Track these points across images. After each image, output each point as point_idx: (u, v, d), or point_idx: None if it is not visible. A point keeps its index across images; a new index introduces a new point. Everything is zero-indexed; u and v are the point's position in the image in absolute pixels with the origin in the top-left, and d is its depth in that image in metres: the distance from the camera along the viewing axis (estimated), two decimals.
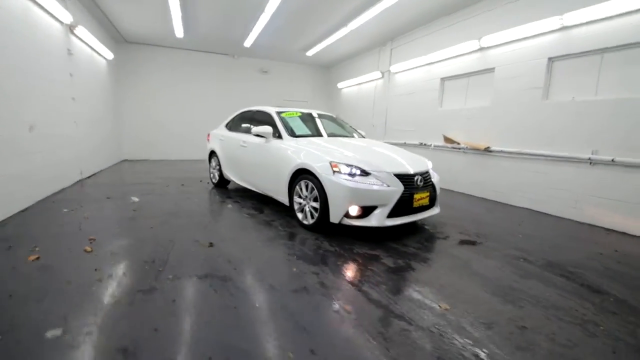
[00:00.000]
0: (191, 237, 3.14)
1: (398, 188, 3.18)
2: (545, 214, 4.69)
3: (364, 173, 3.18)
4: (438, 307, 2.05)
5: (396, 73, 7.93)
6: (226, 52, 10.03)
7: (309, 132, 4.29)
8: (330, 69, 11.49)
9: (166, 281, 2.23)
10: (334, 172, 3.19)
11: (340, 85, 10.66)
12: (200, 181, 6.39)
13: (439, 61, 6.58)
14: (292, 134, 4.11)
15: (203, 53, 9.92)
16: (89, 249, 2.75)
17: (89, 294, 2.04)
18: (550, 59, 4.64)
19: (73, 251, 2.72)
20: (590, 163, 4.17)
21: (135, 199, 4.56)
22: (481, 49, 5.62)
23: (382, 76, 8.50)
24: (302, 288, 2.24)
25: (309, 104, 11.45)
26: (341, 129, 4.78)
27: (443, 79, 6.60)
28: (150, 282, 2.21)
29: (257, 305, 2.00)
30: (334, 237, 3.31)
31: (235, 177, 5.10)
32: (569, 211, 4.44)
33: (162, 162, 9.26)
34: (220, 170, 5.56)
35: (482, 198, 5.68)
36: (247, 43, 8.53)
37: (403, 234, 3.49)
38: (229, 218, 3.93)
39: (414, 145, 7.11)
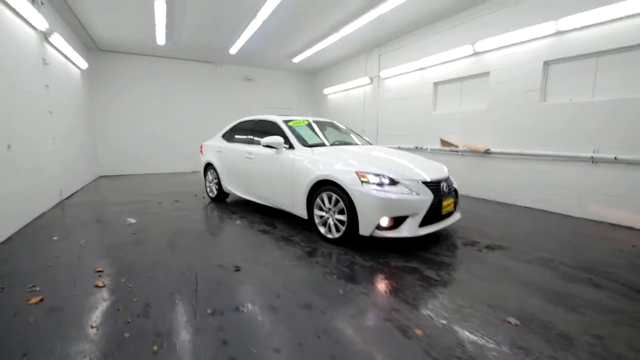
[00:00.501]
0: (211, 261, 2.86)
1: (428, 196, 3.09)
2: (549, 212, 4.81)
3: (393, 182, 3.06)
4: (508, 322, 1.95)
5: (386, 78, 7.97)
6: (209, 60, 9.66)
7: (321, 141, 4.13)
8: (315, 75, 11.41)
9: (207, 317, 1.97)
10: (362, 182, 3.05)
11: (326, 91, 10.59)
12: (195, 195, 6.02)
13: (432, 66, 6.67)
14: (305, 143, 3.93)
15: (184, 61, 9.49)
16: (100, 283, 2.41)
17: (124, 342, 1.74)
18: (545, 62, 4.80)
19: (81, 287, 2.37)
20: (593, 161, 4.33)
21: (132, 220, 4.16)
22: (475, 53, 5.75)
23: (371, 82, 8.52)
24: (359, 312, 2.06)
25: (294, 111, 11.28)
26: (347, 136, 4.66)
27: (436, 84, 6.69)
28: (190, 320, 1.94)
29: (319, 337, 1.80)
30: (363, 250, 3.15)
31: (239, 191, 4.82)
32: (573, 209, 4.58)
33: (144, 177, 8.69)
34: (219, 184, 5.24)
35: (483, 199, 5.76)
36: (233, 50, 8.25)
37: (428, 242, 3.40)
38: (243, 236, 3.66)
39: (409, 149, 7.14)
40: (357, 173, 3.11)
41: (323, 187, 3.38)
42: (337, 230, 3.28)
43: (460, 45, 5.92)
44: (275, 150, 4.04)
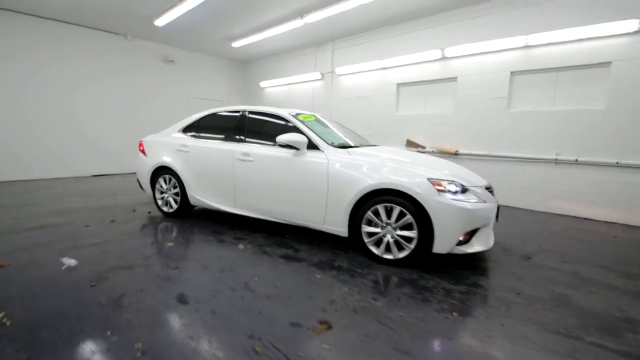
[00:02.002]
0: (275, 322, 1.93)
1: (494, 203, 2.85)
2: (513, 207, 5.33)
3: (464, 190, 2.70)
4: None
5: (342, 75, 7.64)
6: (117, 31, 7.43)
7: (344, 141, 3.46)
8: (250, 64, 10.21)
9: None
10: (439, 191, 2.58)
11: (264, 84, 9.59)
12: (134, 211, 4.41)
13: (395, 67, 6.65)
14: (332, 144, 3.20)
15: (83, 29, 7.04)
16: None
17: None
18: (512, 72, 5.28)
19: None
20: (556, 163, 4.95)
21: (71, 262, 2.62)
22: (444, 58, 5.95)
23: (322, 77, 8.06)
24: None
25: (225, 104, 9.86)
26: (354, 135, 4.10)
27: (399, 85, 6.71)
28: None
29: None
30: (431, 270, 2.70)
31: (219, 202, 3.68)
32: (537, 204, 5.18)
33: (35, 184, 6.07)
34: (182, 194, 3.92)
35: None
36: (161, 22, 6.51)
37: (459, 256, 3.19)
38: (272, 270, 2.69)
39: None
40: (430, 180, 2.62)
41: (376, 197, 2.76)
42: (400, 249, 2.73)
43: (428, 49, 6.04)
44: (293, 151, 3.16)
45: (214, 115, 3.98)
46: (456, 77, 5.89)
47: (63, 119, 7.04)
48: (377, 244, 2.83)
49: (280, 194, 3.25)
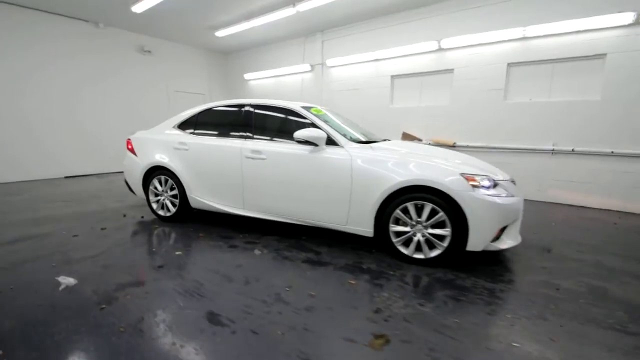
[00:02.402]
0: (320, 338, 1.74)
1: (521, 197, 2.80)
2: None
3: (495, 184, 2.62)
4: None
5: (333, 67, 7.42)
6: (86, 18, 6.74)
7: (357, 136, 3.28)
8: (231, 56, 9.72)
9: None
10: (473, 187, 2.48)
11: (248, 76, 9.18)
12: (124, 216, 4.02)
13: (389, 58, 6.53)
14: (350, 138, 3.02)
15: (47, 14, 6.31)
16: None
17: None
18: (509, 64, 5.31)
19: None
20: (553, 153, 5.06)
21: (69, 282, 2.28)
22: (440, 49, 5.89)
23: (312, 69, 7.80)
24: None
25: (207, 98, 9.36)
26: (364, 129, 3.93)
27: (394, 77, 6.60)
28: None
29: None
30: (463, 269, 2.61)
31: (225, 204, 3.40)
32: (534, 194, 5.29)
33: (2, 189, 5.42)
34: (182, 196, 3.59)
35: None
36: (139, 7, 5.95)
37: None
38: (298, 276, 2.48)
39: None
40: (463, 175, 2.51)
41: (405, 195, 2.62)
42: (431, 247, 2.62)
43: (424, 40, 5.96)
44: (311, 148, 2.95)
45: (213, 110, 3.66)
46: (453, 69, 5.85)
47: (14, 115, 6.34)
48: (406, 243, 2.71)
49: (297, 193, 3.03)
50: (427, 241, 2.62)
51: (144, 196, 3.90)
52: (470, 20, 5.51)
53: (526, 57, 5.14)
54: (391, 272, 2.54)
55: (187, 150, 3.54)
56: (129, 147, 3.99)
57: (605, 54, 4.55)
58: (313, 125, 3.06)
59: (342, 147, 2.91)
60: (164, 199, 3.75)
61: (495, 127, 5.52)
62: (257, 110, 3.39)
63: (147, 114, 7.95)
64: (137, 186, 3.91)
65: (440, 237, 2.58)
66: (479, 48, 5.52)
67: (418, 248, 2.66)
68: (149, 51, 7.91)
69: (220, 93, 9.77)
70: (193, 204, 3.59)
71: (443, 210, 2.51)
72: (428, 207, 2.56)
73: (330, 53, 7.39)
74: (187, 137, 3.60)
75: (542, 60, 5.05)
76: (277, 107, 3.34)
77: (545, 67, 5.07)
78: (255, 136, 3.28)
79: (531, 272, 2.61)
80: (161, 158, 3.66)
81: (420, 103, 6.39)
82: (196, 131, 3.63)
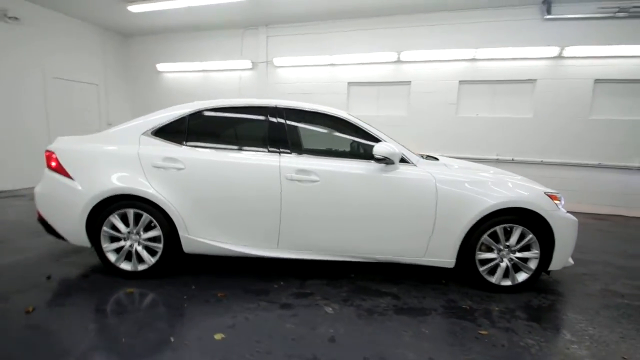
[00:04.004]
0: None
1: None
2: None
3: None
4: None
5: (281, 67, 6.70)
6: None
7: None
8: (135, 39, 7.65)
9: None
10: (557, 205, 2.43)
11: (163, 67, 7.42)
12: (48, 278, 2.46)
13: (347, 64, 6.30)
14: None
15: None
16: None
17: None
18: (460, 81, 5.84)
19: None
20: (497, 162, 5.80)
21: None
22: (399, 61, 6.00)
23: (254, 67, 6.87)
24: None
25: (102, 89, 7.12)
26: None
27: (350, 84, 6.41)
28: None
29: None
30: (539, 290, 2.56)
31: (254, 244, 2.46)
32: None
33: None
34: (170, 238, 2.41)
35: None
36: None
37: None
38: (414, 338, 1.90)
39: None
40: (547, 194, 2.44)
41: (492, 218, 2.39)
42: (516, 272, 2.45)
43: (383, 50, 5.98)
44: (381, 166, 2.38)
45: (211, 113, 2.60)
46: (410, 81, 6.06)
47: None
48: (491, 271, 2.47)
49: (363, 224, 2.41)
50: (514, 266, 2.46)
51: (85, 243, 2.46)
52: (427, 38, 5.80)
53: (474, 76, 5.75)
54: (497, 308, 2.25)
55: (181, 169, 2.39)
56: (53, 164, 2.47)
57: (535, 79, 5.48)
58: (370, 136, 2.51)
59: (415, 164, 2.47)
60: (134, 246, 2.45)
61: (449, 138, 5.98)
62: (289, 116, 2.56)
63: (10, 109, 5.42)
64: (74, 228, 2.44)
65: (525, 260, 2.45)
66: (435, 64, 5.88)
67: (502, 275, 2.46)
68: (16, 18, 5.38)
69: (120, 85, 7.60)
70: (189, 247, 2.46)
71: (533, 232, 2.38)
72: (518, 230, 2.39)
73: (278, 51, 6.65)
74: (180, 151, 2.44)
75: (486, 80, 5.73)
76: (317, 113, 2.63)
77: (489, 87, 5.78)
78: (294, 151, 2.46)
79: (586, 282, 2.75)
80: (132, 182, 2.36)
81: (378, 112, 6.40)
82: (190, 142, 2.50)
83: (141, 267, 2.47)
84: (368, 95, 6.43)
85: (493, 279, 2.46)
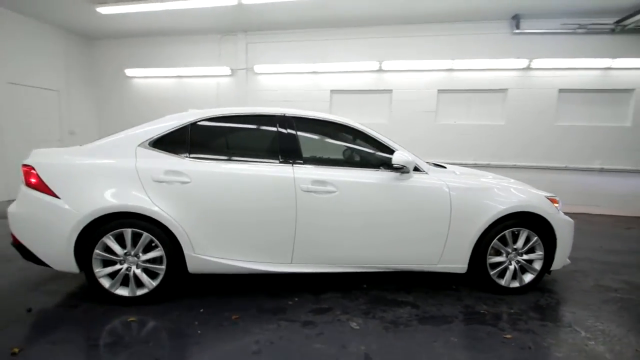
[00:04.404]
0: None
1: None
2: None
3: None
4: None
5: (262, 74, 6.56)
6: None
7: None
8: (100, 42, 7.12)
9: None
10: (557, 208, 2.57)
11: (132, 72, 6.98)
12: (29, 311, 2.15)
13: (330, 72, 6.32)
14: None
15: None
16: None
17: None
18: (439, 90, 6.08)
19: None
20: (475, 166, 6.07)
21: None
22: (381, 70, 6.13)
23: (233, 74, 6.68)
24: None
25: (62, 95, 6.53)
26: None
27: (333, 92, 6.43)
28: None
29: None
30: (546, 290, 2.68)
31: (267, 260, 2.32)
32: None
33: None
34: (173, 258, 2.21)
35: None
36: None
37: None
38: (445, 348, 1.88)
39: None
40: (548, 198, 2.57)
41: (501, 223, 2.47)
42: (521, 275, 2.55)
43: (365, 59, 6.08)
44: (394, 175, 2.38)
45: (212, 123, 2.44)
46: (392, 90, 6.21)
47: None
48: (500, 274, 2.54)
49: (380, 234, 2.38)
50: (521, 268, 2.55)
51: (72, 269, 2.18)
52: (407, 48, 5.99)
53: (452, 85, 6.02)
54: (511, 310, 2.31)
55: (186, 183, 2.21)
56: (32, 180, 2.18)
57: (507, 89, 5.85)
58: (378, 143, 2.55)
59: (427, 172, 2.50)
60: (128, 268, 2.21)
61: (429, 144, 6.18)
62: (299, 125, 2.48)
63: None
64: (60, 252, 2.15)
65: (530, 262, 2.56)
66: (415, 73, 6.07)
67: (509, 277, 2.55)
68: None
69: (84, 91, 7.01)
70: (195, 267, 2.27)
71: (538, 236, 2.49)
72: (525, 233, 2.49)
73: (259, 58, 6.51)
74: (184, 163, 2.25)
75: (463, 90, 6.02)
76: (327, 122, 2.59)
77: (465, 95, 6.07)
78: (307, 162, 2.38)
79: (572, 278, 2.93)
80: (130, 199, 2.14)
81: (360, 120, 6.41)
82: (194, 154, 2.32)
83: (140, 292, 2.23)
84: (350, 103, 6.49)
85: (503, 282, 2.54)
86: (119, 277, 2.21)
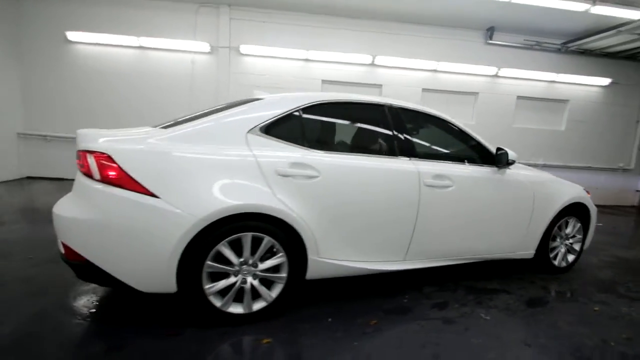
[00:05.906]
0: None
1: None
2: None
3: None
4: None
5: (248, 55, 5.98)
6: None
7: None
8: None
9: None
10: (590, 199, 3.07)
11: (75, 36, 5.58)
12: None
13: (322, 61, 6.13)
14: None
15: None
16: None
17: None
18: (423, 89, 6.49)
19: None
20: None
21: None
22: (373, 64, 6.22)
23: (212, 51, 5.93)
24: None
25: None
26: None
27: (325, 82, 6.27)
28: None
29: None
30: (575, 275, 3.20)
31: (381, 258, 2.20)
32: None
33: None
34: (294, 264, 1.92)
35: None
36: None
37: None
38: (601, 327, 2.10)
39: None
40: (584, 190, 3.05)
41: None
42: (568, 259, 2.99)
43: (359, 51, 6.10)
44: (492, 169, 2.51)
45: (325, 108, 2.19)
46: (381, 85, 6.38)
47: None
48: (554, 256, 2.93)
49: (485, 226, 2.50)
50: (569, 252, 2.99)
51: (167, 288, 1.71)
52: (398, 45, 6.22)
53: (435, 85, 6.51)
54: (575, 287, 2.71)
55: (313, 178, 1.92)
56: (110, 174, 1.61)
57: (478, 92, 6.60)
58: (470, 138, 2.68)
59: (510, 167, 2.69)
60: (243, 280, 1.82)
61: None
62: (407, 118, 2.39)
63: None
64: (154, 268, 1.66)
65: (571, 244, 3.01)
66: (404, 71, 6.36)
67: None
68: None
69: (8, 58, 5.31)
70: (315, 272, 2.01)
71: (582, 223, 2.96)
72: (573, 220, 2.92)
73: (244, 38, 5.91)
74: (309, 154, 1.94)
75: (444, 90, 6.57)
76: (427, 115, 2.58)
77: (444, 96, 6.63)
78: (420, 155, 2.32)
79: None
80: (256, 197, 1.77)
81: None
82: (316, 145, 2.03)
83: (257, 307, 1.87)
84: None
85: (556, 262, 2.93)
86: (234, 292, 1.82)
